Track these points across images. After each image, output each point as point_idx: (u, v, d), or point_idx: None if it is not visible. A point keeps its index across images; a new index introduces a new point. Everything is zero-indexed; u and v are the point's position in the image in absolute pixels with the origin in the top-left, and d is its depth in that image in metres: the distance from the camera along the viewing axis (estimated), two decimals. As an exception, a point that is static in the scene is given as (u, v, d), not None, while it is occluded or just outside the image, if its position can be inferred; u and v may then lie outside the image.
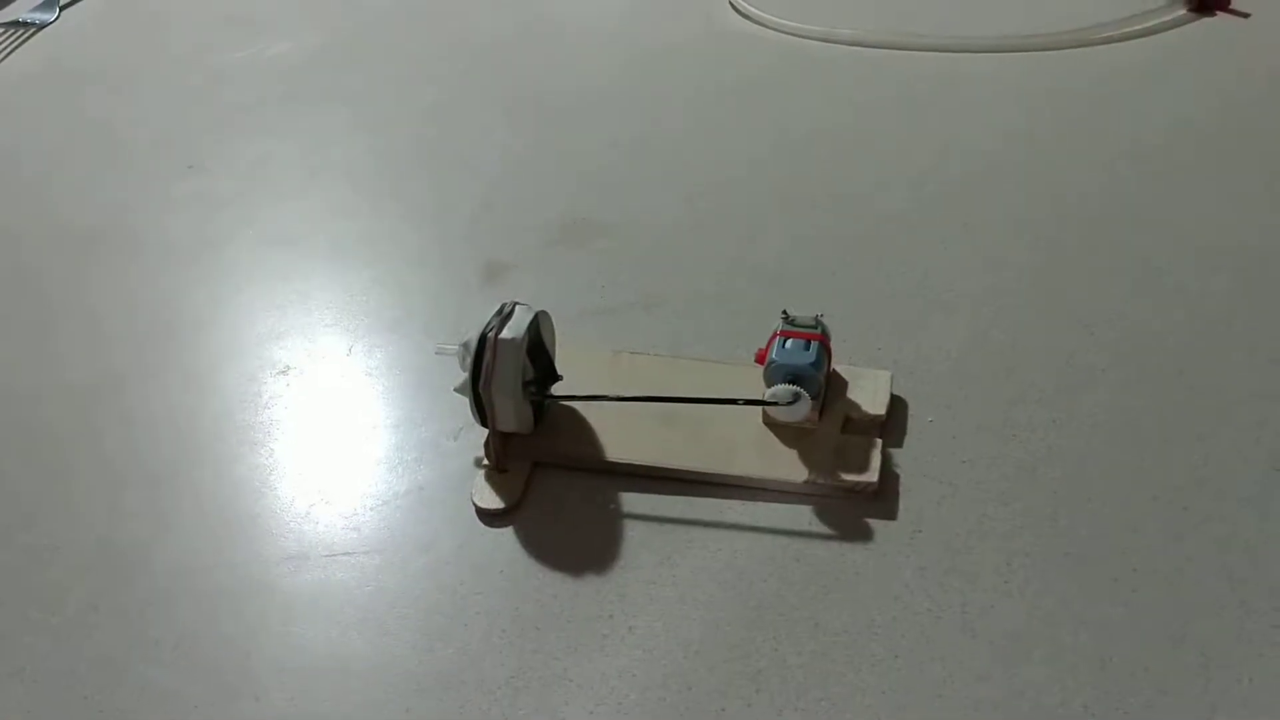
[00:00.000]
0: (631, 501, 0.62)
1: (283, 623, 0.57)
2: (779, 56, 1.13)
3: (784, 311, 0.66)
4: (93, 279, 0.86)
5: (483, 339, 0.61)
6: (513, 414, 0.62)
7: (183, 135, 1.06)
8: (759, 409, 0.65)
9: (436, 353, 0.65)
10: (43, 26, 1.29)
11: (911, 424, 0.66)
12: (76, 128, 1.09)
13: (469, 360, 0.61)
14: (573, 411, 0.67)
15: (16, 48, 1.25)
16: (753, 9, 1.20)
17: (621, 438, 0.65)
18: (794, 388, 0.61)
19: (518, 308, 0.63)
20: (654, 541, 0.60)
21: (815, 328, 0.64)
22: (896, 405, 0.67)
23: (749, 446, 0.64)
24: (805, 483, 0.62)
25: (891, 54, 1.11)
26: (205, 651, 0.56)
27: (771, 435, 0.64)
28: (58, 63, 1.23)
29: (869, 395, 0.66)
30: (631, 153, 0.98)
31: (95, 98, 1.14)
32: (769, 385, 0.63)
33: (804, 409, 0.62)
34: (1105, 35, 1.11)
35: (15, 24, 1.30)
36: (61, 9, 1.33)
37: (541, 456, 0.65)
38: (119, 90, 1.15)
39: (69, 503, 0.65)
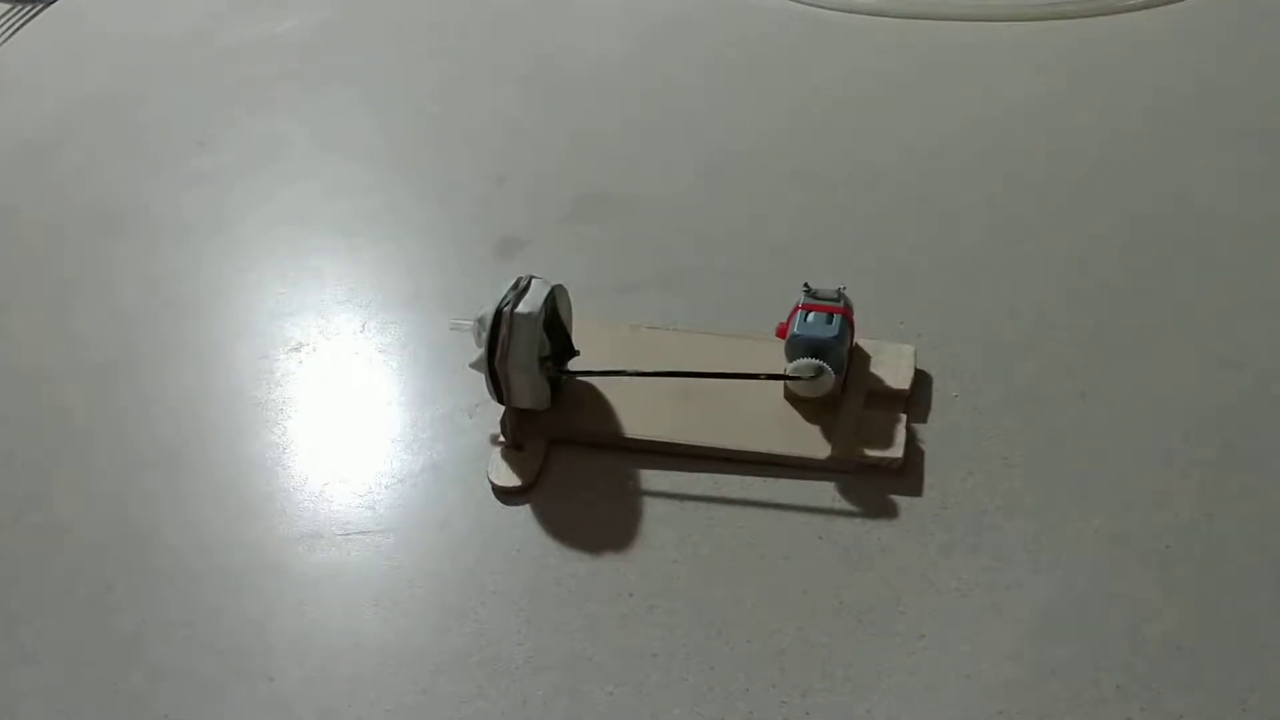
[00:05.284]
0: (651, 479, 0.61)
1: (297, 602, 0.57)
2: (796, 27, 1.10)
3: (805, 284, 0.64)
4: (102, 257, 0.85)
5: (498, 314, 0.59)
6: (529, 390, 0.61)
7: (192, 113, 1.04)
8: (781, 384, 0.63)
9: (451, 328, 0.64)
10: (50, 3, 1.28)
11: (936, 398, 0.65)
12: (85, 106, 1.08)
13: (484, 335, 0.60)
14: (590, 387, 0.66)
15: (24, 24, 1.24)
16: (769, -21, 1.18)
17: (640, 414, 0.64)
18: (816, 362, 0.60)
19: (534, 282, 0.62)
20: (674, 519, 0.59)
21: (838, 300, 0.63)
22: (921, 379, 0.66)
23: (771, 422, 0.63)
24: (828, 459, 0.60)
25: (911, 23, 1.09)
26: (219, 631, 0.55)
27: (793, 410, 0.63)
28: (65, 40, 1.21)
29: (892, 369, 0.65)
30: (646, 126, 0.96)
31: (103, 75, 1.13)
32: (791, 359, 0.61)
33: (827, 383, 0.61)
34: (1129, 3, 1.08)
35: (23, 0, 1.28)
36: (69, -14, 1.32)
37: (559, 433, 0.64)
38: (127, 68, 1.14)
39: (81, 483, 0.65)
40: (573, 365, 0.65)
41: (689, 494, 0.60)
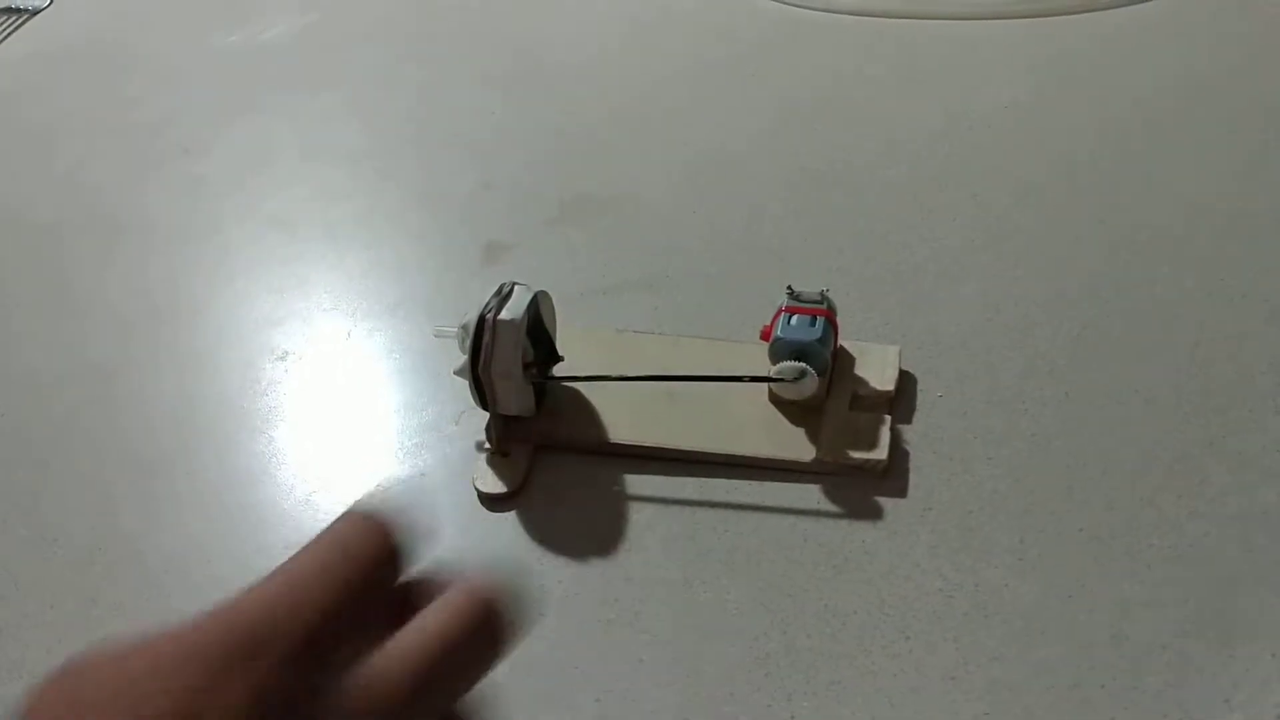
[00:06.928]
0: (636, 484, 0.61)
1: (283, 612, 0.56)
2: (779, 26, 1.11)
3: (789, 287, 0.64)
4: (87, 266, 0.85)
5: (481, 320, 0.59)
6: (513, 396, 0.61)
7: (177, 120, 1.04)
8: (765, 387, 0.63)
9: (435, 335, 0.64)
10: (36, 12, 1.28)
11: (921, 399, 0.65)
12: (70, 114, 1.07)
13: (468, 342, 0.60)
14: (575, 393, 0.66)
15: (10, 34, 1.23)
16: (754, -21, 1.18)
17: (625, 419, 0.64)
18: (800, 364, 0.60)
19: (516, 288, 0.62)
20: (659, 524, 0.59)
21: (821, 303, 0.63)
22: (905, 380, 0.66)
23: (756, 425, 0.63)
24: (813, 461, 0.60)
25: (894, 22, 1.09)
26: (205, 643, 0.55)
27: (778, 413, 0.63)
28: (51, 49, 1.21)
29: (877, 371, 0.65)
30: (631, 127, 0.96)
31: (89, 84, 1.13)
32: (774, 362, 0.61)
33: (811, 385, 0.61)
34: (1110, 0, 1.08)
35: (8, 10, 1.28)
36: (55, -6, 1.32)
37: (544, 439, 0.64)
38: (113, 76, 1.14)
39: (66, 495, 0.65)
40: (557, 371, 0.65)
41: (675, 498, 0.60)
